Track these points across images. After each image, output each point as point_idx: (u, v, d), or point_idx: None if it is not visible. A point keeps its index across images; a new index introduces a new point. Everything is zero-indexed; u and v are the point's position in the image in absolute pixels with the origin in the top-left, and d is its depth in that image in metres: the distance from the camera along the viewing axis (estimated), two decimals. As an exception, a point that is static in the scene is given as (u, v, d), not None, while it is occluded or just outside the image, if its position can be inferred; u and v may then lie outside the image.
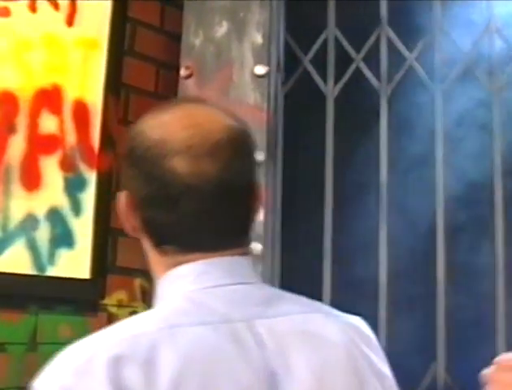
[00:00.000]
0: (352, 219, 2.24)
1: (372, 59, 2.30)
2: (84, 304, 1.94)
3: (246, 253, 0.96)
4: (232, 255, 0.93)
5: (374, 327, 1.06)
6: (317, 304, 1.01)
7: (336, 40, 2.32)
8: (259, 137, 2.03)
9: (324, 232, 2.20)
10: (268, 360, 0.86)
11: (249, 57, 2.07)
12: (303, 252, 2.24)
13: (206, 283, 0.91)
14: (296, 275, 2.20)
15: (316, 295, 2.12)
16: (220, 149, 0.90)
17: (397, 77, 2.27)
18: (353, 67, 2.30)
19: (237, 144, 0.93)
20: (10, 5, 1.88)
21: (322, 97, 2.29)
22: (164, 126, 0.91)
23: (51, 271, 1.87)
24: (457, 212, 2.15)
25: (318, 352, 0.90)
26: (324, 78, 2.30)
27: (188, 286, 0.91)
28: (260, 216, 1.99)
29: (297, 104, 2.31)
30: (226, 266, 0.92)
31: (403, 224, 2.19)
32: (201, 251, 0.92)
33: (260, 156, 2.02)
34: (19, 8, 1.90)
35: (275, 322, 0.90)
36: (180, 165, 0.88)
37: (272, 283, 2.13)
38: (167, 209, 0.90)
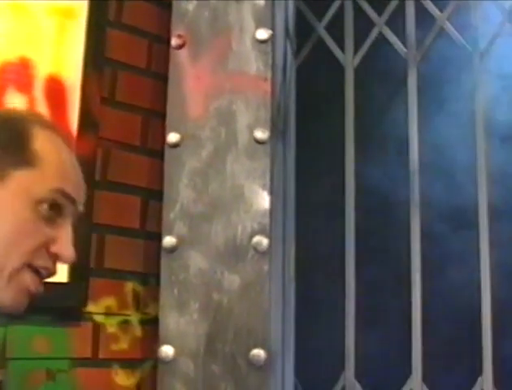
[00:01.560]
0: (379, 210, 1.93)
1: (397, 22, 1.99)
2: (63, 312, 1.66)
3: None
4: None
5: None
6: None
7: (355, 2, 2.02)
8: (263, 112, 1.73)
9: (346, 223, 1.89)
10: None
11: (249, 20, 1.78)
12: (321, 247, 1.93)
13: None
14: (313, 275, 1.90)
15: (339, 296, 1.83)
16: None
17: (427, 41, 1.95)
18: (375, 33, 1.99)
19: None
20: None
21: (340, 68, 1.98)
22: None
23: (22, 274, 1.59)
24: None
25: None
26: (342, 46, 2.00)
27: None
28: (265, 203, 1.68)
29: (312, 76, 2.00)
30: None
31: (438, 212, 1.87)
32: None
33: (261, 134, 1.72)
34: (-24, -30, 1.65)
35: None
36: None
37: (283, 285, 1.82)
38: None
